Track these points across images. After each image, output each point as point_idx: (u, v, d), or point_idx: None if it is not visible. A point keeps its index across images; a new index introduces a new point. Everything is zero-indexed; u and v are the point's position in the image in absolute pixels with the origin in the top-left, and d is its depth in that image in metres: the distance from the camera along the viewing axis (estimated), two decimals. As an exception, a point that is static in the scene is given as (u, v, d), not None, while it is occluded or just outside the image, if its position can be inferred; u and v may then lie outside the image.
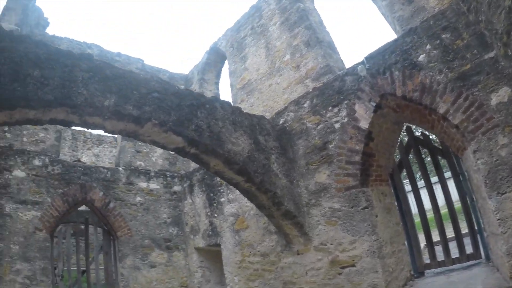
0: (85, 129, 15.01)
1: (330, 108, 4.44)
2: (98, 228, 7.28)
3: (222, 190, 6.24)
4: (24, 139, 6.86)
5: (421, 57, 3.56)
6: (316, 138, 4.57)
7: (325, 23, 6.94)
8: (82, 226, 7.43)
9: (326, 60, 5.99)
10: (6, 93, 2.36)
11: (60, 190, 6.57)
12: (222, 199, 6.19)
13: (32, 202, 6.30)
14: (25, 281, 5.90)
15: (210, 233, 6.53)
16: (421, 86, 3.48)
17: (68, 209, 6.54)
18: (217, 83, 9.67)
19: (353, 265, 3.95)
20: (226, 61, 8.73)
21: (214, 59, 9.42)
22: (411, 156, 4.80)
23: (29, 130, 6.95)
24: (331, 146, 4.34)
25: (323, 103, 4.56)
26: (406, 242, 4.36)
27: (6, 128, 6.68)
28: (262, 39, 7.41)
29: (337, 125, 4.31)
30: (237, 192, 5.15)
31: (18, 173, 6.40)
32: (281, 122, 5.16)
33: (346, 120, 4.20)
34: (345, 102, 4.25)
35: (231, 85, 8.22)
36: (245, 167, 3.60)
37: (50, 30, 8.49)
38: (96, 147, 13.76)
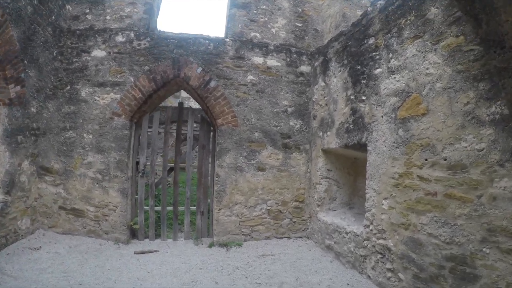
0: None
1: None
2: (195, 123, 5.73)
3: (377, 57, 3.74)
4: (108, 17, 5.58)
5: None
6: None
7: None
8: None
9: None
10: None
11: (147, 67, 5.19)
12: (378, 71, 3.74)
13: (112, 84, 5.11)
14: (97, 175, 4.97)
15: (351, 127, 4.24)
16: None
17: (155, 90, 5.12)
18: None
19: None
20: None
21: None
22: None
23: (113, 7, 5.63)
24: None
25: None
26: None
27: (88, 10, 5.56)
28: None
29: None
30: (408, 53, 3.25)
31: (98, 52, 5.23)
32: None
33: None
34: None
35: None
36: None
37: None
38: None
